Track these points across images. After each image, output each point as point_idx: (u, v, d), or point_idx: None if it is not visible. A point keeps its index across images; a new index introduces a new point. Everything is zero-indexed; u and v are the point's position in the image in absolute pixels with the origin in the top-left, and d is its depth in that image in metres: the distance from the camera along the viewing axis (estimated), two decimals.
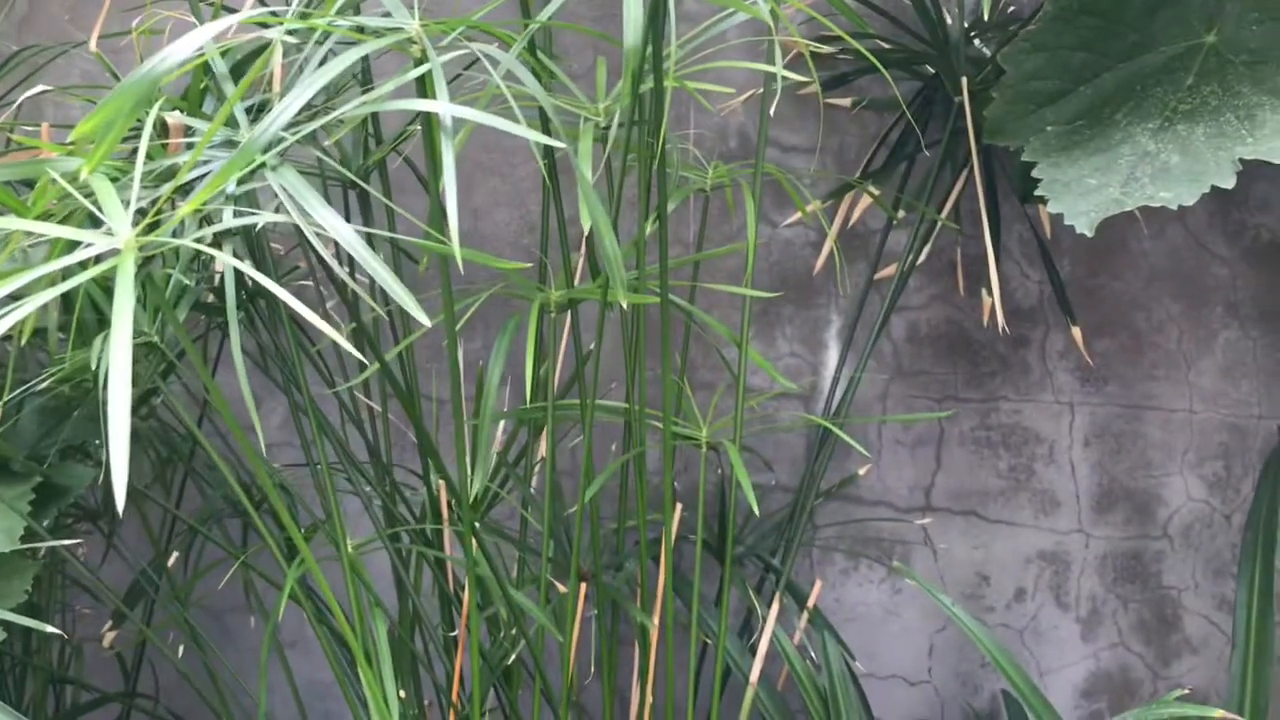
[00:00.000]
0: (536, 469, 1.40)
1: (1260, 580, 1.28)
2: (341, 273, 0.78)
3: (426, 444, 1.30)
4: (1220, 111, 1.07)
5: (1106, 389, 1.58)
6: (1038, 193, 1.10)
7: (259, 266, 1.06)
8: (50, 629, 0.93)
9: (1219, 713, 1.03)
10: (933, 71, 1.48)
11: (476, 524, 1.19)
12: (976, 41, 1.45)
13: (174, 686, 1.56)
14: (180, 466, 1.43)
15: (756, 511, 1.10)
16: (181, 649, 1.39)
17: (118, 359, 0.67)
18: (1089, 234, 1.05)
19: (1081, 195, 1.07)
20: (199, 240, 0.78)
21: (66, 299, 1.12)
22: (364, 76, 1.27)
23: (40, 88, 1.09)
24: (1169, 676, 1.58)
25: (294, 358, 1.06)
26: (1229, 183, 1.03)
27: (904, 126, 1.52)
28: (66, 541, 1.08)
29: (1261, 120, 1.04)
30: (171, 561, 1.37)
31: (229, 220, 0.79)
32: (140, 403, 1.32)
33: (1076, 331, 1.49)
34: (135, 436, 1.36)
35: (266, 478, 0.94)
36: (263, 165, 0.79)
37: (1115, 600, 1.60)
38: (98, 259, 0.78)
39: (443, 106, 0.76)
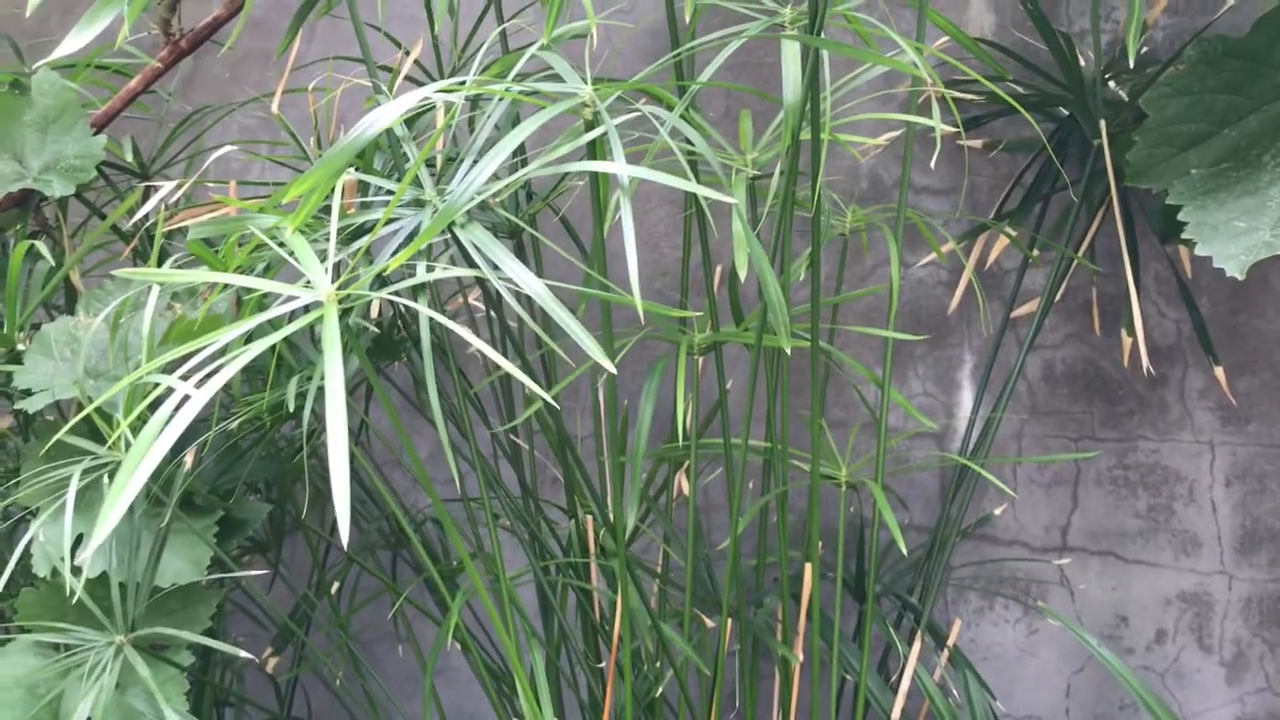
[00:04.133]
0: (675, 504, 1.44)
1: None
2: (533, 323, 0.83)
3: (574, 480, 1.35)
4: None
5: (1248, 429, 1.56)
6: (1185, 235, 1.11)
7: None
8: (242, 653, 0.99)
9: None
10: (1066, 114, 1.49)
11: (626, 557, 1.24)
12: (1112, 84, 1.46)
13: (324, 710, 1.64)
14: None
15: (904, 549, 1.12)
16: (340, 675, 1.46)
17: (334, 400, 0.72)
18: (1240, 277, 1.06)
19: (1231, 239, 1.08)
20: (395, 294, 0.83)
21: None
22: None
23: (228, 147, 1.17)
24: None
25: (460, 397, 1.11)
26: None
27: (1038, 169, 1.53)
28: (250, 573, 1.15)
29: None
30: (334, 589, 1.44)
31: (422, 275, 0.85)
32: (308, 439, 1.39)
33: (1220, 371, 1.48)
34: (298, 472, 1.44)
35: (442, 510, 1.00)
36: (451, 223, 0.85)
37: (1262, 644, 1.57)
38: (302, 311, 0.85)
39: (620, 167, 0.81)
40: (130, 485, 0.80)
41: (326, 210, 1.02)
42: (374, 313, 1.33)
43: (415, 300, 0.84)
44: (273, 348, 1.16)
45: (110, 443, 1.06)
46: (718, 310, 1.31)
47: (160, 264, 1.17)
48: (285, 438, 1.35)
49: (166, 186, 1.17)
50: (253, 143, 1.46)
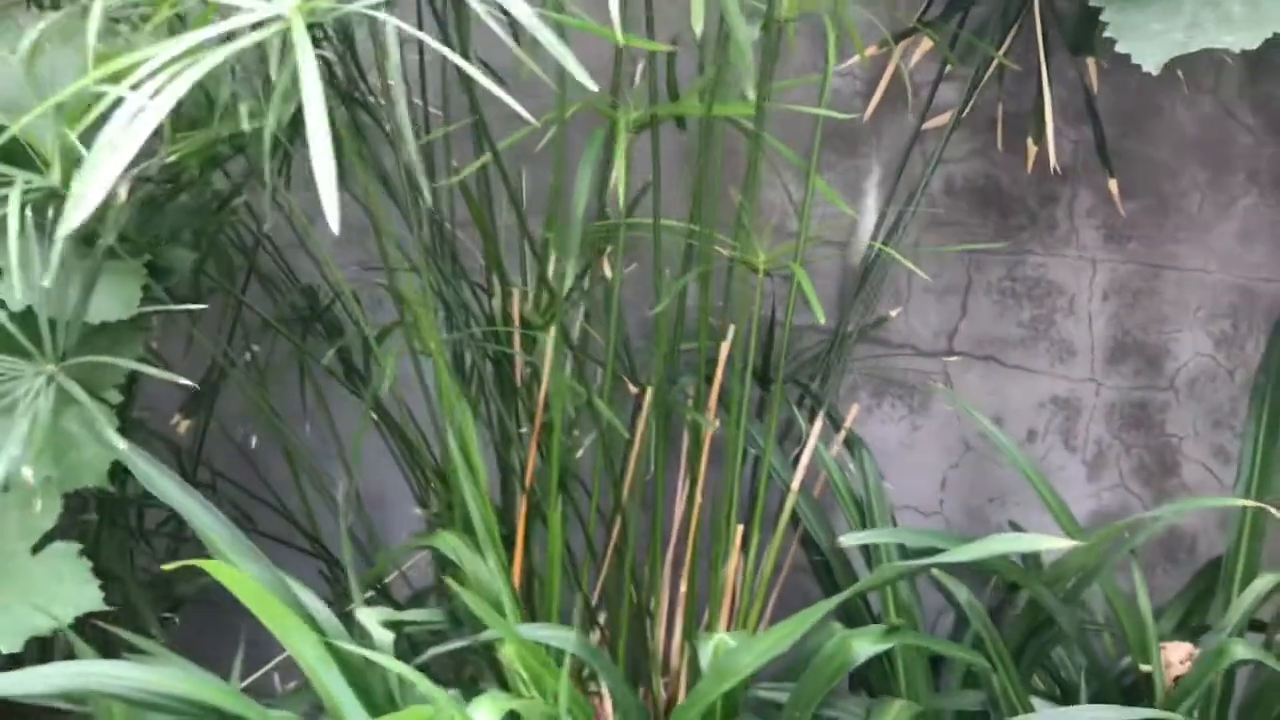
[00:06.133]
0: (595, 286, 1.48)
1: (1267, 419, 1.40)
2: (517, 48, 0.83)
3: (494, 253, 1.37)
4: None
5: (1128, 247, 1.67)
6: (1107, 34, 1.17)
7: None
8: (181, 380, 1.00)
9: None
10: None
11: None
12: None
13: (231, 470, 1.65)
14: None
15: (822, 319, 1.19)
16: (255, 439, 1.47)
17: (316, 122, 0.73)
18: (1155, 72, 1.13)
19: (1148, 39, 1.14)
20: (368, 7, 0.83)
21: None
22: None
23: None
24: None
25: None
26: None
27: None
28: (188, 306, 1.15)
29: None
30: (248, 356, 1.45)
31: None
32: (224, 203, 1.38)
33: (1113, 184, 1.57)
34: (214, 240, 1.42)
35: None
36: None
37: (1120, 445, 1.71)
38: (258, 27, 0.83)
39: None
40: (85, 199, 0.80)
41: None
42: None
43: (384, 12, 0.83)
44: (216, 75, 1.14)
45: (46, 167, 1.03)
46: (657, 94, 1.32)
47: None
48: (212, 191, 1.32)
49: None
50: None
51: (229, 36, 0.84)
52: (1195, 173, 1.65)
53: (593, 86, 0.78)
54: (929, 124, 1.62)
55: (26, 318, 1.09)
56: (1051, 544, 1.08)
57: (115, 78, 0.82)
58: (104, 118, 0.85)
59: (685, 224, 1.34)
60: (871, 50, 1.57)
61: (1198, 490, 1.69)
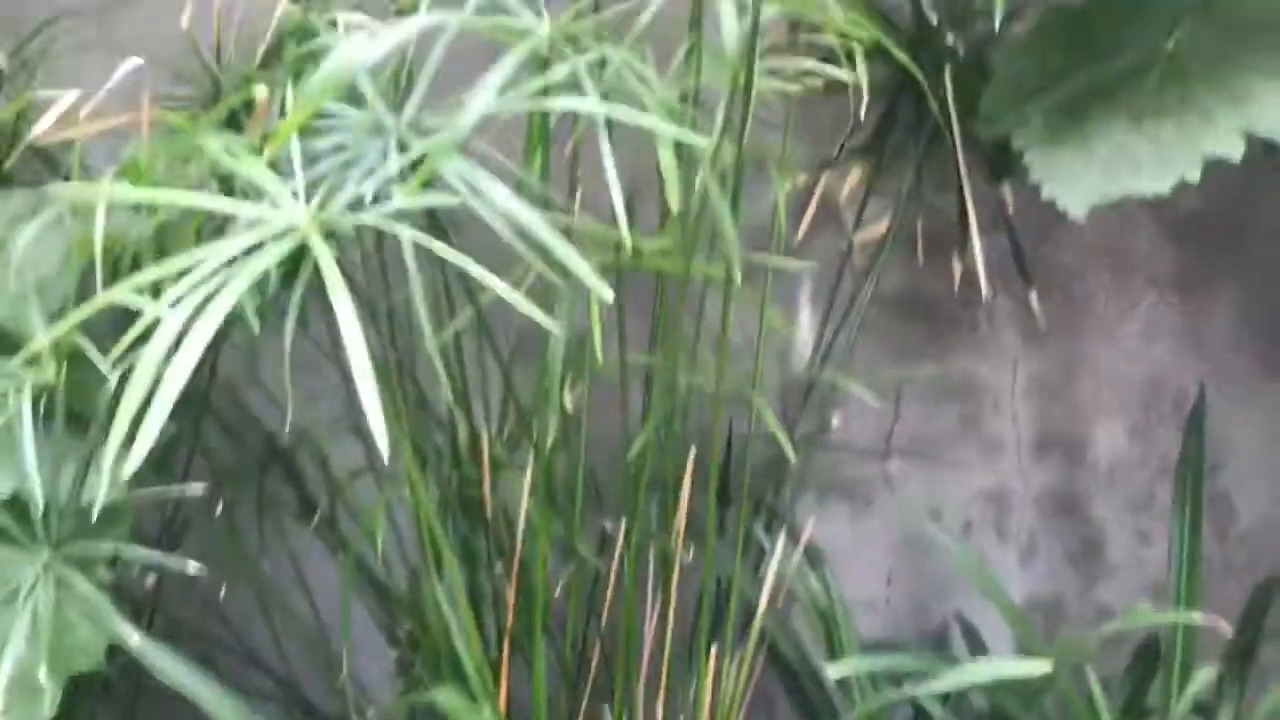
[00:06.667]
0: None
1: (1189, 515, 1.51)
2: (521, 245, 0.88)
3: (459, 390, 1.41)
4: (1183, 112, 1.26)
5: (1046, 346, 1.79)
6: (1034, 179, 1.28)
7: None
8: (191, 565, 1.02)
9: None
10: (905, 60, 1.64)
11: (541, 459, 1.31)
12: (949, 36, 1.61)
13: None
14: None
15: (792, 458, 1.26)
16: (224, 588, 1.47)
17: (354, 343, 0.77)
18: (1082, 218, 1.23)
19: (1070, 184, 1.25)
20: (382, 217, 0.87)
21: None
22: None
23: (134, 60, 1.15)
24: (1094, 598, 1.82)
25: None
26: (1195, 175, 1.22)
27: (879, 110, 1.68)
28: (189, 484, 1.16)
29: (1218, 121, 1.24)
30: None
31: (399, 201, 0.89)
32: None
33: (1033, 295, 1.69)
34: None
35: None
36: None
37: (1050, 532, 1.81)
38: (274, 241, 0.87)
39: (594, 105, 0.88)
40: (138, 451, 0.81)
41: (266, 135, 1.04)
42: None
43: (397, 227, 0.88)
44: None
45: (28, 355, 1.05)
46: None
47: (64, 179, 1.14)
48: None
49: (68, 96, 1.14)
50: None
51: (247, 249, 0.87)
52: (1101, 276, 1.78)
53: (608, 297, 0.83)
54: (858, 237, 1.72)
55: (14, 501, 1.10)
56: (1026, 669, 1.16)
57: (140, 289, 0.85)
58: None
59: (646, 354, 1.41)
60: (803, 179, 1.66)
61: (1123, 571, 1.80)
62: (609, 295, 0.82)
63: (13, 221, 1.17)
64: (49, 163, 1.38)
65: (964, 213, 1.57)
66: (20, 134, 1.25)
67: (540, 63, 0.95)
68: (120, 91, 1.51)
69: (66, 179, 1.15)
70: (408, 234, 0.86)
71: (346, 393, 1.36)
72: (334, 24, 1.11)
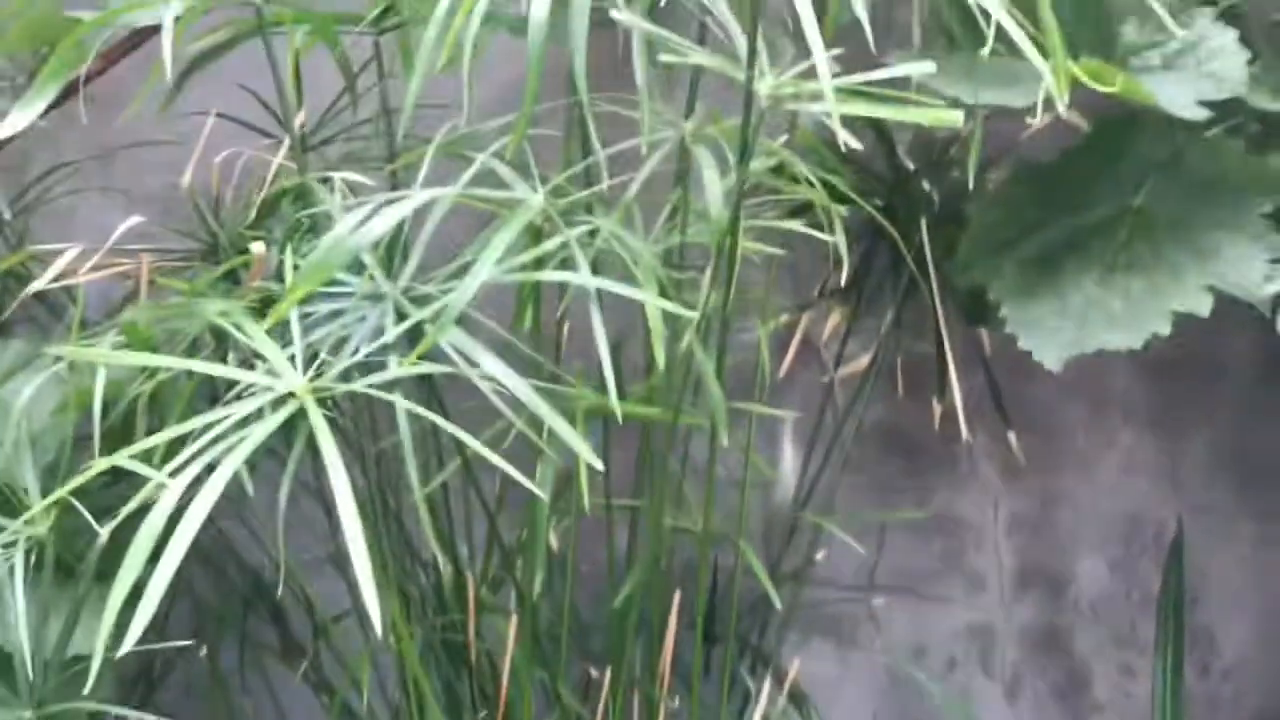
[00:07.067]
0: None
1: (1172, 651, 1.52)
2: (512, 415, 0.91)
3: (444, 536, 1.42)
4: (1153, 267, 1.31)
5: (1025, 482, 1.81)
6: (1009, 330, 1.31)
7: None
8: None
9: None
10: (882, 205, 1.69)
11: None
12: (925, 183, 1.67)
13: None
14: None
15: (778, 605, 1.26)
16: None
17: (346, 506, 0.78)
18: (1057, 371, 1.26)
19: (1045, 337, 1.28)
20: (372, 386, 0.90)
21: None
22: None
23: (135, 218, 1.18)
24: None
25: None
26: (1166, 330, 1.26)
27: (858, 252, 1.72)
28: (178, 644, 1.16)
29: (1186, 278, 1.28)
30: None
31: (394, 370, 0.91)
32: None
33: (1012, 435, 1.72)
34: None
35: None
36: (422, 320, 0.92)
37: (1034, 667, 1.82)
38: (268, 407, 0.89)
39: (586, 279, 0.91)
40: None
41: (266, 301, 1.06)
42: None
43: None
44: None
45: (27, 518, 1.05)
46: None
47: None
48: None
49: (69, 252, 1.17)
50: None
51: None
52: (1078, 412, 1.81)
53: (598, 465, 0.85)
54: (839, 375, 1.75)
55: None
56: None
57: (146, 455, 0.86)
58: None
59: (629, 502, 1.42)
60: (784, 319, 1.70)
61: (1109, 708, 1.80)
62: (599, 464, 0.84)
63: (9, 373, 1.18)
64: (47, 305, 1.41)
65: (942, 356, 1.61)
66: (21, 283, 1.28)
67: (534, 233, 0.98)
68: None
69: (68, 329, 1.16)
70: (403, 404, 0.88)
71: (329, 526, 1.37)
72: (327, 182, 1.14)
